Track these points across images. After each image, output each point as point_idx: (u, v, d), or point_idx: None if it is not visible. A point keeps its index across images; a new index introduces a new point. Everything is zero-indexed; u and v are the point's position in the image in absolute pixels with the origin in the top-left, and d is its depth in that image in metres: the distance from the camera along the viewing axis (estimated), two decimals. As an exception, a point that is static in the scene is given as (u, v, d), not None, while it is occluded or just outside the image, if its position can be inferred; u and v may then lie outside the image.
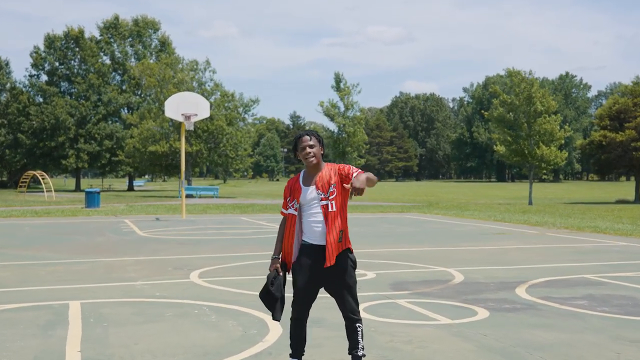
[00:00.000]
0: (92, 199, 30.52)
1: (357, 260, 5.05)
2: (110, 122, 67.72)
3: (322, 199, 4.93)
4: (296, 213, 5.04)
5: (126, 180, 78.96)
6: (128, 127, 61.80)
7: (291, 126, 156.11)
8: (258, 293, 5.29)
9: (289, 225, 5.11)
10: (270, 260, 5.24)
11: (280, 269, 5.08)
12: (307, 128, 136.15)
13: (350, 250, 5.04)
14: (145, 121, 50.39)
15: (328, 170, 5.03)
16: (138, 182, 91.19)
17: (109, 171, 69.64)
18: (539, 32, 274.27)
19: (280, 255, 5.15)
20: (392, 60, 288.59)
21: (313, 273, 4.95)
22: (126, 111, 68.46)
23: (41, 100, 67.26)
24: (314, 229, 4.97)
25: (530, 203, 38.80)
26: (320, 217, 4.94)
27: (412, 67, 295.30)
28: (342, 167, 5.01)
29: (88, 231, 18.88)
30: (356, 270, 5.03)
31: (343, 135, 50.00)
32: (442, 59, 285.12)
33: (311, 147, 5.01)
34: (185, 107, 23.73)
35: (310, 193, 4.97)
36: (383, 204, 36.25)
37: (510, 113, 39.95)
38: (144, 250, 14.35)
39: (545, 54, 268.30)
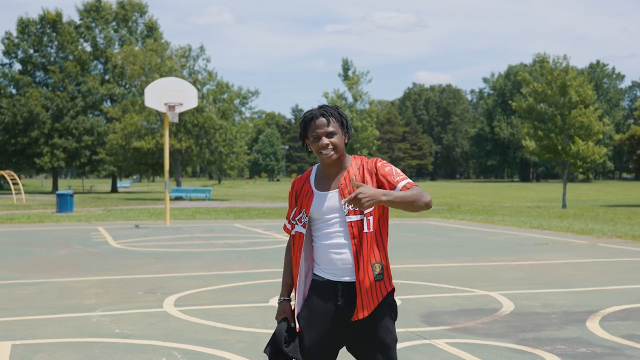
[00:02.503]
0: (64, 203, 29.12)
1: None
2: (90, 115, 66.30)
3: (349, 213, 3.57)
4: (304, 231, 3.66)
5: (110, 181, 77.42)
6: (110, 121, 60.41)
7: (293, 121, 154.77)
8: (263, 349, 3.95)
9: (296, 251, 3.70)
10: (277, 305, 3.76)
11: (293, 318, 3.69)
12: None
13: (392, 293, 3.64)
14: (128, 114, 48.95)
15: (358, 168, 3.64)
16: (124, 183, 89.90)
17: (90, 171, 68.22)
18: (564, 17, 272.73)
19: (292, 296, 3.75)
20: (403, 49, 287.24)
21: (331, 326, 3.55)
22: (109, 104, 67.08)
23: (14, 91, 65.88)
24: (332, 258, 3.58)
25: (564, 206, 37.29)
26: (344, 240, 3.56)
27: (425, 56, 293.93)
28: (379, 165, 3.62)
29: (51, 241, 17.56)
30: None
31: (350, 130, 48.59)
32: (458, 47, 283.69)
33: (330, 135, 3.60)
34: (168, 95, 22.26)
35: (329, 202, 3.63)
36: (398, 208, 34.48)
37: (542, 104, 38.44)
38: (113, 266, 12.93)
39: (572, 41, 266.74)
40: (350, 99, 49.79)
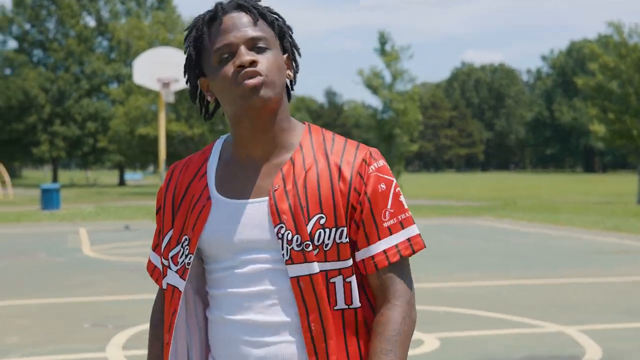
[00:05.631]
0: (49, 199, 27.95)
1: None
2: (95, 99, 65.40)
3: (294, 256, 1.88)
4: (183, 286, 1.96)
5: (117, 172, 76.57)
6: (115, 104, 59.48)
7: (326, 105, 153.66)
8: None
9: (166, 325, 2.01)
10: None
11: None
12: (345, 106, 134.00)
13: None
14: (133, 97, 47.70)
15: (314, 153, 1.98)
16: (134, 175, 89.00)
17: (93, 161, 67.51)
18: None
19: None
20: (448, 25, 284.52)
21: None
22: (116, 86, 66.14)
23: (9, 72, 65.18)
24: (249, 354, 1.92)
25: (639, 202, 35.26)
26: (281, 317, 1.91)
27: (473, 32, 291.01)
28: (373, 174, 1.95)
29: (14, 247, 16.46)
30: None
31: (390, 113, 46.76)
32: (511, 21, 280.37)
33: (256, 46, 1.93)
34: (162, 69, 20.62)
35: (248, 222, 1.93)
36: (441, 204, 33.10)
37: (613, 81, 36.61)
38: (68, 283, 11.42)
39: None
40: (388, 78, 47.91)
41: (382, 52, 47.76)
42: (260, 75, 1.86)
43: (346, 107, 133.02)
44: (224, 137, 2.06)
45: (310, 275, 1.84)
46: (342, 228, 1.87)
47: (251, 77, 1.85)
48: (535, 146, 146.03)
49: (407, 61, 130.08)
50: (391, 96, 46.48)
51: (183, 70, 2.03)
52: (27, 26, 66.35)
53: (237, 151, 1.96)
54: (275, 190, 1.88)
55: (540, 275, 12.18)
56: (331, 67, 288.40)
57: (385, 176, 1.94)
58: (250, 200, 1.90)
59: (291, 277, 1.85)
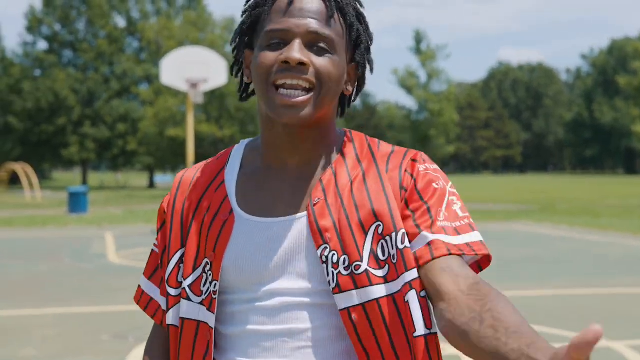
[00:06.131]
0: (76, 202, 27.86)
1: None
2: (125, 99, 65.70)
3: (343, 282, 1.56)
4: (212, 320, 1.64)
5: (147, 174, 76.95)
6: (144, 105, 59.80)
7: (359, 106, 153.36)
8: None
9: None
10: None
11: None
12: (379, 107, 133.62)
13: None
14: (162, 97, 47.78)
15: (359, 160, 1.70)
16: (164, 178, 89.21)
17: (123, 163, 67.86)
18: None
19: None
20: (485, 22, 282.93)
21: None
22: (146, 87, 66.41)
23: (39, 73, 65.68)
24: None
25: (686, 205, 34.61)
26: (313, 356, 1.59)
27: (510, 30, 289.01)
28: (422, 172, 1.66)
29: (38, 252, 16.34)
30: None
31: (425, 114, 46.43)
32: (550, 19, 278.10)
33: (316, 45, 1.60)
34: (190, 69, 20.46)
35: (281, 245, 1.61)
36: (479, 207, 32.70)
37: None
38: (91, 291, 11.23)
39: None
40: (423, 78, 47.56)
41: (418, 50, 47.44)
42: (307, 83, 1.55)
43: (380, 107, 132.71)
44: (244, 141, 1.77)
45: (363, 305, 1.53)
46: (401, 231, 1.56)
47: (293, 90, 1.55)
48: (575, 147, 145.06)
49: (443, 61, 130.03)
50: (426, 96, 46.17)
51: (233, 35, 1.72)
52: (57, 27, 66.83)
53: (266, 158, 1.67)
54: (315, 204, 1.58)
55: (584, 284, 11.81)
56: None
57: (439, 175, 1.65)
58: (281, 218, 1.60)
59: (341, 310, 1.53)
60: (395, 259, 1.54)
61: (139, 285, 1.83)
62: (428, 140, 45.48)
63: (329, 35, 1.58)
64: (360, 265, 1.53)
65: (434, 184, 1.61)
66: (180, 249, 1.68)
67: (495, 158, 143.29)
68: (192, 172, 1.75)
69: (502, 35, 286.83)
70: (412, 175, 1.62)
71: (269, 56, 1.56)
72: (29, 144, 63.56)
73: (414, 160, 1.64)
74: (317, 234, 1.56)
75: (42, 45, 67.88)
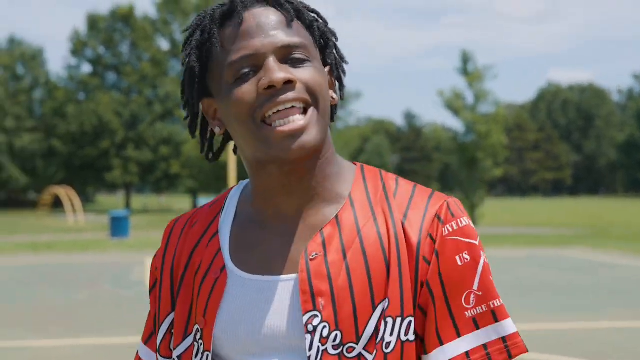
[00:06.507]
0: (118, 226, 28.13)
1: None
2: (168, 122, 66.33)
3: (323, 357, 1.33)
4: None
5: (190, 198, 77.48)
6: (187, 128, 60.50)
7: (405, 128, 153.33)
8: None
9: None
10: None
11: None
12: (425, 129, 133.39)
13: None
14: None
15: (372, 206, 1.44)
16: (207, 200, 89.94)
17: (166, 186, 68.35)
18: None
19: None
20: (532, 42, 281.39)
21: None
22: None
23: (83, 97, 66.54)
24: None
25: None
26: None
27: (559, 50, 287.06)
28: (451, 238, 1.39)
29: (78, 278, 16.47)
30: None
31: (472, 136, 46.02)
32: (600, 39, 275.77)
33: (290, 57, 1.40)
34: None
35: (274, 308, 1.38)
36: (527, 232, 32.33)
37: None
38: (129, 321, 11.15)
39: None
40: (470, 99, 47.25)
41: (465, 71, 47.14)
42: (299, 100, 1.34)
43: (426, 129, 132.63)
44: (243, 183, 1.54)
45: None
46: (409, 318, 1.33)
47: (288, 116, 1.33)
48: (628, 169, 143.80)
49: (491, 81, 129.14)
50: (474, 118, 45.78)
51: (181, 87, 1.49)
52: (101, 50, 67.78)
53: (259, 206, 1.44)
54: (312, 259, 1.35)
55: (640, 316, 11.51)
56: (410, 88, 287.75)
57: (469, 240, 1.37)
58: (276, 276, 1.38)
59: None
60: (390, 349, 1.32)
61: (137, 352, 1.60)
62: (475, 162, 45.09)
63: (301, 42, 1.39)
64: (353, 348, 1.31)
65: (462, 256, 1.36)
66: (170, 313, 1.48)
67: (544, 181, 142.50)
68: (184, 220, 1.55)
69: (551, 55, 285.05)
70: (434, 241, 1.36)
71: (246, 89, 1.35)
72: (72, 167, 64.40)
73: (437, 218, 1.38)
74: (308, 295, 1.33)
75: (86, 68, 68.71)
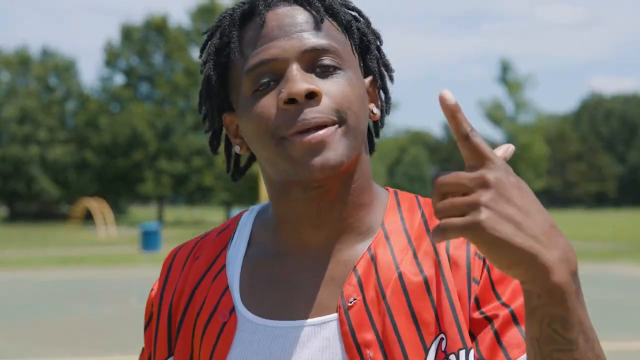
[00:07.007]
0: (149, 239, 28.22)
1: None
2: (201, 134, 66.50)
3: None
4: None
5: (224, 210, 77.78)
6: (221, 139, 60.79)
7: (444, 139, 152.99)
8: None
9: None
10: None
11: None
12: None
13: None
14: (239, 131, 48.43)
15: (416, 236, 1.24)
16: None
17: (200, 198, 68.57)
18: None
19: None
20: (574, 51, 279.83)
21: None
22: (225, 120, 67.63)
23: (118, 108, 67.05)
24: None
25: None
26: None
27: (602, 58, 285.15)
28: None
29: (106, 293, 16.64)
30: None
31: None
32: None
33: (317, 62, 1.21)
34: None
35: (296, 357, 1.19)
36: (573, 246, 31.78)
37: None
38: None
39: None
40: (511, 109, 46.96)
41: (505, 80, 46.93)
42: (323, 114, 1.15)
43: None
44: (255, 208, 1.36)
45: None
46: (470, 350, 1.14)
47: (308, 131, 1.14)
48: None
49: (531, 91, 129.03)
50: (514, 129, 45.56)
51: (199, 100, 1.32)
52: (134, 60, 68.24)
53: (279, 237, 1.26)
54: (350, 306, 1.16)
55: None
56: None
57: None
58: (300, 321, 1.19)
59: None
60: None
61: None
62: (516, 174, 44.94)
63: (331, 46, 1.20)
64: None
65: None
66: (168, 357, 1.28)
67: (587, 193, 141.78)
68: (187, 251, 1.35)
69: (593, 64, 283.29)
70: (483, 261, 1.18)
71: (265, 104, 1.18)
72: (105, 179, 64.79)
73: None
74: (354, 350, 1.14)
75: (119, 79, 69.24)
